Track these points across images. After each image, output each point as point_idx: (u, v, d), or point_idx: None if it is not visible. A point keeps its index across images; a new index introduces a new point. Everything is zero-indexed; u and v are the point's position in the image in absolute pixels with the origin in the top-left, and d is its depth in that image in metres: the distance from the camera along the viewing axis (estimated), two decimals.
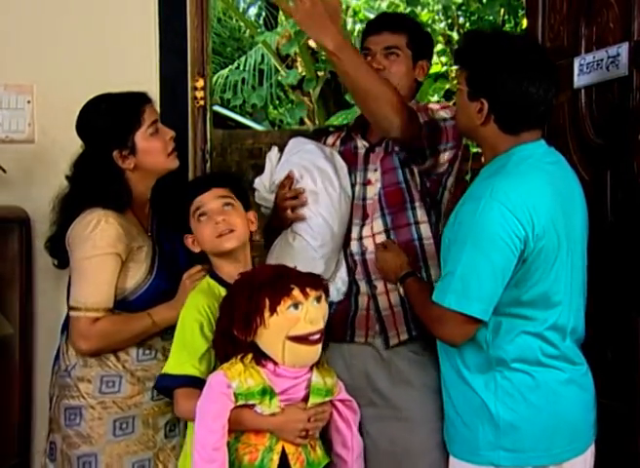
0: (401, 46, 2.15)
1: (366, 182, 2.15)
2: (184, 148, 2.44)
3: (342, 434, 1.86)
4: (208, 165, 2.57)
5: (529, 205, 1.65)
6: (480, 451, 1.73)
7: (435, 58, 7.59)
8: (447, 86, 7.45)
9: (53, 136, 2.40)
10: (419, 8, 7.31)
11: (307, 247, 2.06)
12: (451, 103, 2.16)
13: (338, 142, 2.27)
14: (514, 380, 1.71)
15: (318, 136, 2.33)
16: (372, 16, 6.26)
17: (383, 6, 7.43)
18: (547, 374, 1.72)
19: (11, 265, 2.33)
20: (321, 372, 1.78)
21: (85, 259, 1.94)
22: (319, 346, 1.73)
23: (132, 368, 1.98)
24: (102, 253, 1.92)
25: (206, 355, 1.79)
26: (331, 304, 1.99)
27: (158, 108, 2.15)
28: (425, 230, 2.09)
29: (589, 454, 1.79)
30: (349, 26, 7.58)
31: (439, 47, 7.75)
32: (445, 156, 2.06)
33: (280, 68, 7.98)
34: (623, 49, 1.94)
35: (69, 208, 2.02)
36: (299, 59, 8.45)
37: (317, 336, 1.71)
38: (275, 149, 2.21)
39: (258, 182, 2.18)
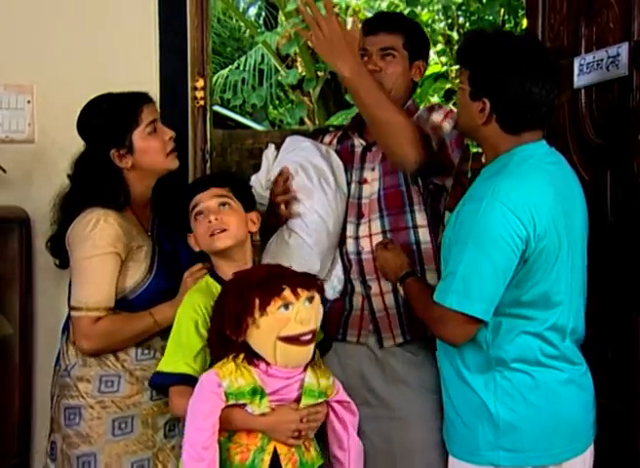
0: (397, 47, 2.13)
1: (362, 181, 2.14)
2: (184, 148, 2.44)
3: (339, 435, 1.85)
4: (208, 165, 2.58)
5: (530, 205, 1.65)
6: (480, 451, 1.73)
7: (435, 58, 7.60)
8: (447, 86, 7.46)
9: (53, 136, 2.40)
10: (418, 8, 7.31)
11: (303, 244, 2.06)
12: (451, 104, 2.16)
13: (334, 141, 2.27)
14: (514, 380, 1.71)
15: (317, 135, 2.34)
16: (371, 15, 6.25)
17: (383, 6, 7.44)
18: (547, 374, 1.72)
19: (11, 265, 2.33)
20: (316, 373, 1.78)
21: (85, 259, 1.94)
22: (311, 347, 1.72)
23: (131, 367, 1.98)
24: (102, 253, 1.93)
25: (200, 353, 1.79)
26: (326, 302, 2.00)
27: (158, 108, 2.15)
28: (424, 234, 2.09)
29: (589, 454, 1.79)
30: (349, 26, 7.58)
31: (439, 47, 7.77)
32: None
33: (280, 68, 7.99)
34: (623, 49, 1.94)
35: (69, 207, 2.02)
36: (299, 59, 8.46)
37: (308, 337, 1.70)
38: (272, 147, 2.21)
39: (254, 180, 2.18)
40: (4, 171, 2.30)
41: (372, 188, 2.12)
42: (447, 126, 2.03)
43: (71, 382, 1.97)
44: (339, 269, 2.13)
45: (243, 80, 8.02)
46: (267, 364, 1.71)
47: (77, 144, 2.06)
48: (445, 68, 7.59)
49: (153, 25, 2.48)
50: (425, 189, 2.10)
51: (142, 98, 2.04)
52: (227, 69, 8.18)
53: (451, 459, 1.83)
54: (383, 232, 2.09)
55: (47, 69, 2.43)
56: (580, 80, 2.11)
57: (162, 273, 2.02)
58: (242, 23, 8.97)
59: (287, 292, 1.67)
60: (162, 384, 1.83)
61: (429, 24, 7.65)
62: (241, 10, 9.22)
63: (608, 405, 1.91)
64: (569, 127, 2.17)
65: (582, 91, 2.12)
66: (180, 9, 2.51)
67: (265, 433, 1.73)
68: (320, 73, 7.94)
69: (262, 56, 8.10)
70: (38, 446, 2.35)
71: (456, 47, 7.48)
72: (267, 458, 1.72)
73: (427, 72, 7.33)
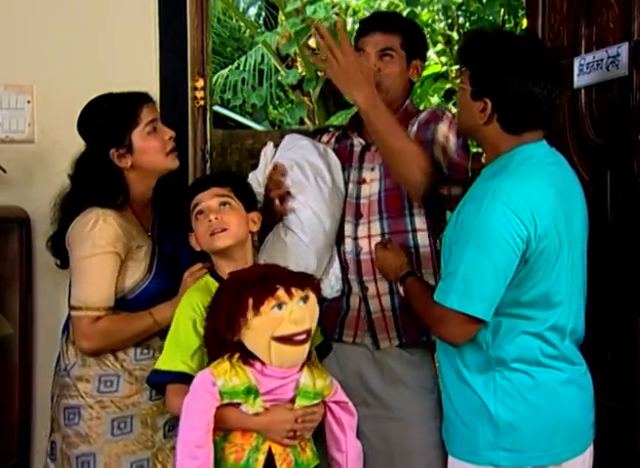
0: (395, 47, 2.13)
1: (360, 181, 2.14)
2: (184, 148, 2.44)
3: (336, 437, 1.85)
4: (208, 165, 2.58)
5: (531, 205, 1.65)
6: (479, 451, 1.73)
7: (435, 58, 7.59)
8: (447, 86, 7.46)
9: (53, 137, 2.40)
10: (418, 8, 7.30)
11: (299, 242, 2.06)
12: (451, 104, 2.16)
13: (332, 140, 2.28)
14: (514, 380, 1.71)
15: (316, 135, 2.34)
16: None
17: (384, 6, 7.43)
18: (547, 375, 1.72)
19: (11, 265, 2.33)
20: (312, 374, 1.77)
21: (85, 258, 1.94)
22: (305, 347, 1.72)
23: (130, 367, 1.98)
24: (102, 252, 1.93)
25: (198, 352, 1.80)
26: (323, 301, 2.00)
27: (158, 108, 2.14)
28: (422, 238, 2.09)
29: (588, 455, 1.79)
30: (349, 26, 7.59)
31: (439, 47, 7.76)
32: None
33: (280, 68, 7.99)
34: (623, 49, 1.94)
35: (69, 206, 2.03)
36: (298, 59, 8.46)
37: (303, 337, 1.70)
38: (270, 145, 2.21)
39: (251, 177, 2.18)
40: (4, 171, 2.30)
41: (371, 189, 2.12)
42: (453, 139, 2.05)
43: (71, 382, 1.97)
44: (337, 268, 2.12)
45: (243, 80, 8.01)
46: (263, 363, 1.71)
47: (77, 144, 2.06)
48: (445, 68, 7.59)
49: (153, 25, 2.48)
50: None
51: (142, 98, 2.04)
52: (227, 69, 8.17)
53: (450, 459, 1.83)
54: (382, 234, 2.09)
55: (47, 69, 2.43)
56: (580, 80, 2.11)
57: (161, 273, 2.02)
58: (242, 23, 8.97)
59: (280, 292, 1.67)
60: (159, 382, 1.84)
61: (429, 24, 7.65)
62: (241, 10, 9.22)
63: (608, 405, 1.91)
64: (569, 127, 2.17)
65: (582, 91, 2.12)
66: (180, 9, 2.51)
67: (260, 433, 1.73)
68: (320, 73, 7.93)
69: (262, 56, 8.09)
70: (38, 446, 2.35)
71: (456, 47, 7.48)
72: (262, 458, 1.72)
73: (427, 72, 7.34)
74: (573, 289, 1.74)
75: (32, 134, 2.43)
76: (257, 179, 2.17)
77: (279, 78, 8.04)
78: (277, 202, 2.07)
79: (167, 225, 2.12)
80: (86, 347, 1.95)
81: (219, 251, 1.90)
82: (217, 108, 7.50)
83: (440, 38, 7.79)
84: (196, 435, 1.65)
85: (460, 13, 7.79)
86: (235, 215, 1.90)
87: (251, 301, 1.66)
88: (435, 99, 7.65)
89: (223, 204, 1.91)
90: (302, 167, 2.10)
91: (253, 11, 9.69)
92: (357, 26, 2.28)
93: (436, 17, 7.84)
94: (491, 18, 7.32)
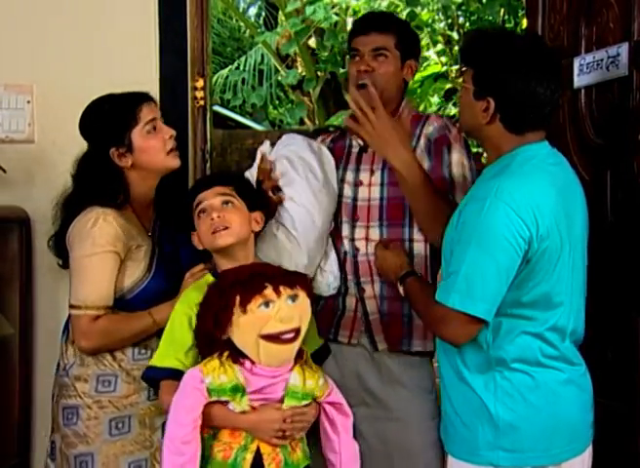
0: (389, 47, 2.12)
1: (357, 183, 2.14)
2: (184, 148, 2.44)
3: (330, 437, 1.84)
4: (208, 165, 2.58)
5: (533, 205, 1.65)
6: (479, 452, 1.73)
7: (435, 58, 7.60)
8: (447, 86, 7.46)
9: (53, 137, 2.40)
10: (418, 8, 7.31)
11: (290, 237, 2.06)
12: (451, 104, 2.16)
13: (328, 139, 2.28)
14: (514, 380, 1.71)
15: (315, 135, 2.34)
16: None
17: (384, 5, 7.43)
18: (547, 375, 1.72)
19: (11, 265, 2.33)
20: (303, 374, 1.76)
21: (84, 257, 1.94)
22: (294, 345, 1.71)
23: (127, 367, 1.98)
24: (102, 252, 1.93)
25: (192, 349, 1.80)
26: (319, 299, 1.99)
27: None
28: (419, 248, 2.08)
29: (587, 455, 1.78)
30: (349, 27, 7.59)
31: (439, 47, 7.76)
32: None
33: (280, 68, 8.00)
34: (623, 49, 1.94)
35: (70, 206, 2.03)
36: (298, 59, 8.46)
37: (290, 336, 1.69)
38: (267, 143, 2.21)
39: (247, 175, 2.18)
40: (4, 171, 2.30)
41: (371, 193, 2.12)
42: (468, 164, 2.09)
43: (69, 382, 1.98)
44: (334, 266, 2.12)
45: (243, 80, 8.02)
46: (252, 362, 1.70)
47: (77, 144, 2.06)
48: (445, 68, 7.59)
49: (153, 25, 2.48)
50: None
51: (142, 97, 2.04)
52: (227, 69, 8.18)
53: (450, 459, 1.83)
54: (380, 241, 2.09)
55: (47, 69, 2.43)
56: (580, 80, 2.11)
57: (161, 273, 2.02)
58: (242, 23, 8.98)
59: (268, 291, 1.66)
60: (154, 378, 1.84)
61: (429, 24, 7.65)
62: (241, 10, 9.22)
63: (608, 405, 1.91)
64: (569, 127, 2.17)
65: (582, 91, 2.12)
66: (180, 9, 2.51)
67: (248, 431, 1.73)
68: (320, 73, 7.94)
69: (262, 56, 8.10)
70: (38, 446, 2.35)
71: (456, 47, 7.49)
72: (249, 457, 1.71)
73: (427, 72, 7.35)
74: (573, 289, 1.74)
75: (32, 134, 2.43)
76: (252, 177, 2.17)
77: (279, 78, 8.05)
78: (271, 194, 2.07)
79: (168, 226, 2.12)
80: (85, 346, 1.95)
81: (220, 249, 1.90)
82: (217, 108, 7.50)
83: (440, 38, 7.79)
84: (183, 431, 1.66)
85: (459, 13, 7.79)
86: (237, 214, 1.90)
87: (238, 299, 1.66)
88: (435, 99, 7.66)
89: (226, 202, 1.91)
90: (292, 161, 2.11)
91: (253, 11, 9.70)
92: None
93: (436, 17, 7.84)
94: (491, 18, 7.32)
